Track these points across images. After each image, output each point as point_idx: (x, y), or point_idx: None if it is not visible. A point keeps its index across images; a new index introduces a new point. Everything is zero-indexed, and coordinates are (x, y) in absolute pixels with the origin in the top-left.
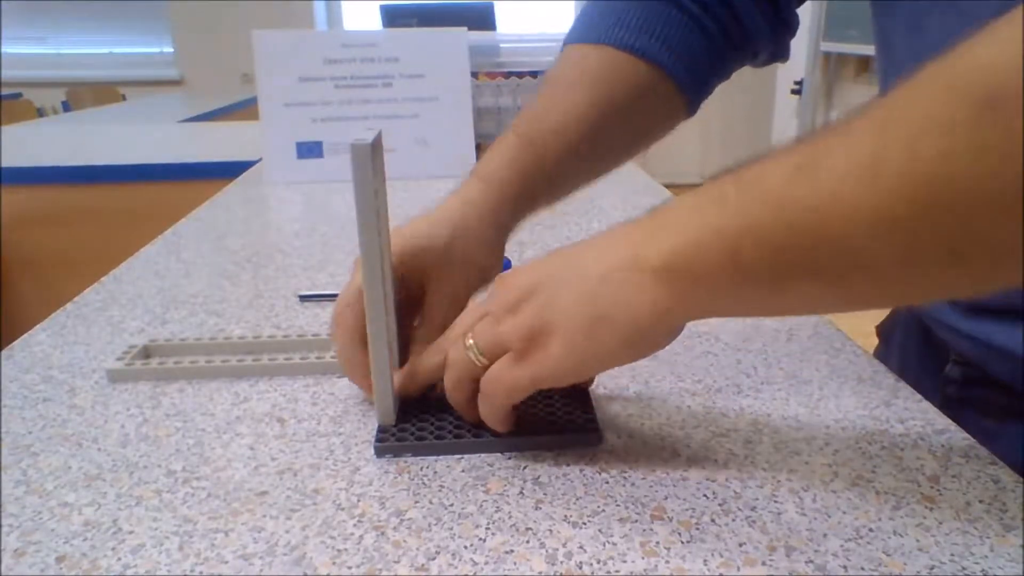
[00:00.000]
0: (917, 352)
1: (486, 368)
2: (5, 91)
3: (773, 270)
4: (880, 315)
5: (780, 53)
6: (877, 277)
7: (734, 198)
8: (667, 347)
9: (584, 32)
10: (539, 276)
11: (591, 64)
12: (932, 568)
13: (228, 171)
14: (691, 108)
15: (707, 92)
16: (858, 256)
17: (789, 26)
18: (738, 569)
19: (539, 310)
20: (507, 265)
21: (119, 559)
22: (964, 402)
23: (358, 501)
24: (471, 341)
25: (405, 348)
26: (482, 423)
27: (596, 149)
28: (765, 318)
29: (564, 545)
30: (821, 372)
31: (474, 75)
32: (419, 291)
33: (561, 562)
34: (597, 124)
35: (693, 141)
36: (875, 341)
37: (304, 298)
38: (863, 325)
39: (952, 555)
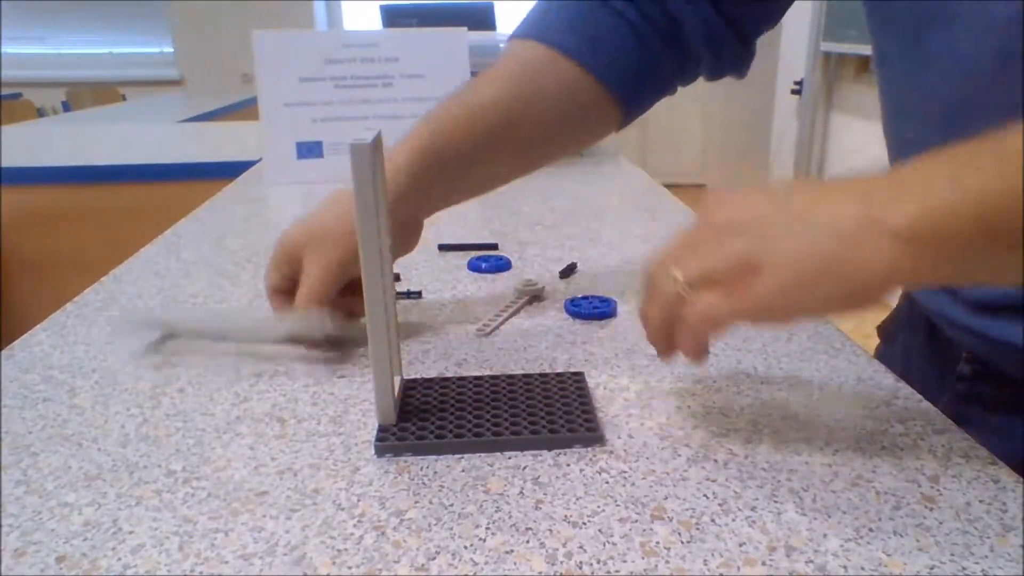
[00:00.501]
0: (923, 351)
1: (689, 298)
2: (5, 91)
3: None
4: (880, 315)
5: (729, 65)
6: None
7: (990, 166)
8: None
9: (523, 27)
10: (753, 213)
11: (516, 58)
12: (932, 568)
13: (228, 171)
14: (625, 112)
15: (642, 98)
16: None
17: (741, 33)
18: (738, 569)
19: (755, 246)
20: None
21: (119, 559)
22: (973, 399)
23: (358, 501)
24: (679, 274)
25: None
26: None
27: (504, 140)
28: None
29: (564, 545)
30: (821, 372)
31: (474, 75)
32: (299, 266)
33: (561, 562)
34: (506, 114)
35: (693, 141)
36: (875, 341)
37: None
38: (863, 326)
39: (952, 555)
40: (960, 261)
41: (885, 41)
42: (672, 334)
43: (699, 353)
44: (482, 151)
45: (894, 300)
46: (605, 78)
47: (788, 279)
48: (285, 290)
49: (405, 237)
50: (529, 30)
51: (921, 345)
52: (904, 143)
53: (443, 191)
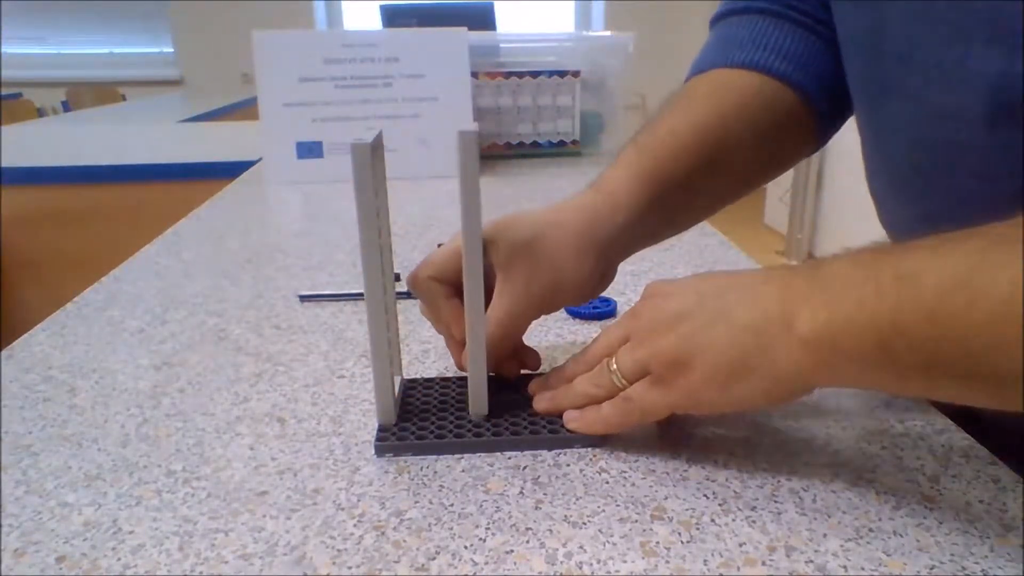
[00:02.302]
0: None
1: (622, 389)
2: (5, 91)
3: (921, 368)
4: None
5: None
6: None
7: (891, 291)
8: None
9: (696, 65)
10: (686, 306)
11: (705, 83)
12: (932, 568)
13: (228, 171)
14: (822, 124)
15: (840, 102)
16: (1011, 371)
17: None
18: (738, 569)
19: (685, 342)
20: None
21: (119, 559)
22: (969, 432)
23: (358, 501)
24: (615, 366)
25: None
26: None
27: (715, 160)
28: None
29: (564, 545)
30: None
31: (474, 75)
32: (493, 277)
33: (561, 562)
34: (716, 131)
35: None
36: None
37: (304, 298)
38: None
39: (952, 555)
40: (863, 376)
41: (856, 104)
42: (588, 409)
43: (613, 428)
44: (697, 174)
45: None
46: (802, 86)
47: (714, 374)
48: (451, 284)
49: (603, 281)
50: (707, 62)
51: None
52: (880, 200)
53: (663, 225)
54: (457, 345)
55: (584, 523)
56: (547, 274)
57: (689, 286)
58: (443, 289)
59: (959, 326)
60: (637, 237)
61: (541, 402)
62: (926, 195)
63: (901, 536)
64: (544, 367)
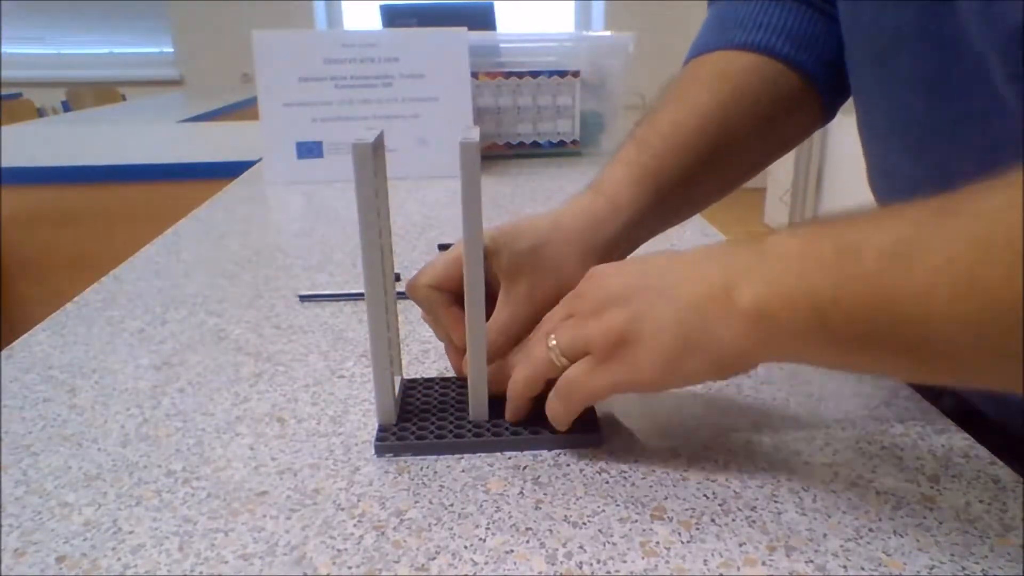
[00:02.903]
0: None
1: (563, 369)
2: (5, 91)
3: (859, 340)
4: None
5: None
6: (963, 367)
7: (832, 263)
8: None
9: (696, 47)
10: (629, 284)
11: (706, 68)
12: (932, 568)
13: (228, 171)
14: (827, 103)
15: (844, 78)
16: (946, 346)
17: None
18: (738, 569)
19: (627, 320)
20: None
21: (119, 559)
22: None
23: (358, 501)
24: (553, 341)
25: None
26: (519, 422)
27: (718, 150)
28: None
29: (564, 545)
30: (821, 372)
31: (474, 75)
32: (492, 290)
33: (561, 562)
34: (717, 120)
35: None
36: None
37: (304, 298)
38: None
39: (952, 555)
40: (803, 349)
41: (858, 67)
42: (532, 397)
43: (564, 423)
44: (699, 166)
45: None
46: (805, 66)
47: (658, 351)
48: (452, 292)
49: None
50: (706, 43)
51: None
52: (884, 173)
53: (667, 218)
54: (457, 352)
55: (584, 523)
56: (551, 280)
57: (632, 265)
58: (443, 297)
59: (895, 296)
60: (639, 236)
61: (508, 416)
62: (928, 187)
63: (901, 536)
64: None
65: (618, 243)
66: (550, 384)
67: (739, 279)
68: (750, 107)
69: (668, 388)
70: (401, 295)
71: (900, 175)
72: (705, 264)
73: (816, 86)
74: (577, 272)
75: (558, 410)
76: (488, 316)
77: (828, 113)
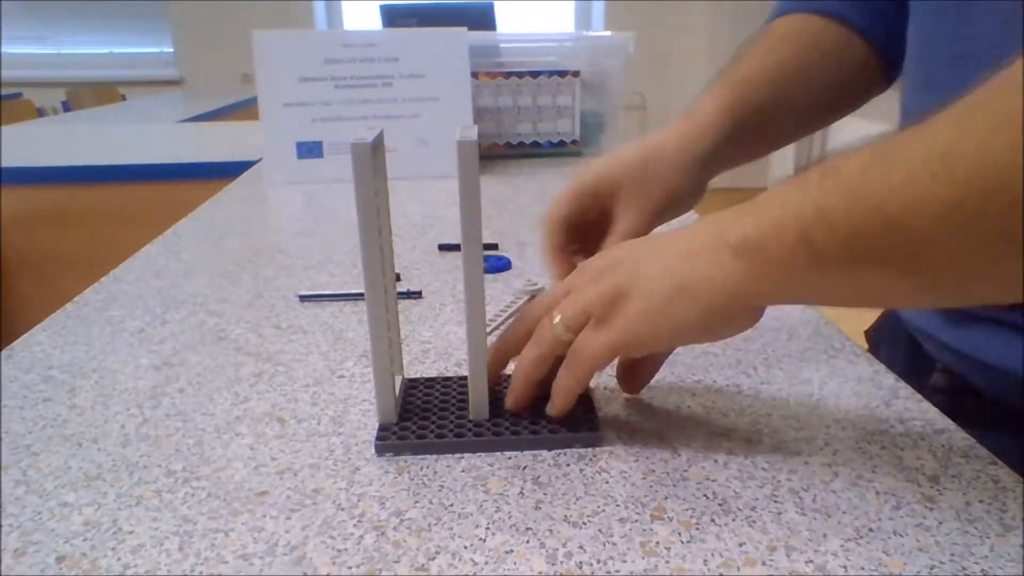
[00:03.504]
0: (904, 361)
1: (569, 344)
2: (5, 91)
3: (845, 256)
4: (870, 319)
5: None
6: (949, 267)
7: (815, 184)
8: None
9: (781, 8)
10: (622, 253)
11: (791, 26)
12: (932, 568)
13: (228, 171)
14: (889, 68)
15: (903, 45)
16: (928, 245)
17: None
18: (738, 569)
19: (621, 279)
20: (505, 263)
21: (119, 559)
22: (950, 411)
23: (358, 501)
24: (557, 318)
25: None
26: (519, 415)
27: (792, 96)
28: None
29: (564, 545)
30: (821, 372)
31: (474, 75)
32: (609, 209)
33: (561, 562)
34: (794, 69)
35: None
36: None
37: (304, 298)
38: (864, 325)
39: (952, 555)
40: (794, 278)
41: (930, 26)
42: (539, 379)
43: (571, 395)
44: (778, 111)
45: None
46: (873, 35)
47: (651, 302)
48: (573, 225)
49: (698, 195)
50: (792, 6)
51: (901, 356)
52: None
53: (745, 148)
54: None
55: (584, 523)
56: (660, 190)
57: (625, 243)
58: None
59: (876, 197)
60: (723, 158)
61: (508, 403)
62: None
63: (901, 536)
64: None
65: (707, 161)
66: (549, 382)
67: (729, 225)
68: (822, 67)
69: (666, 341)
70: (401, 295)
71: None
72: (696, 226)
73: (882, 53)
74: (680, 182)
75: (568, 382)
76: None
77: (890, 79)
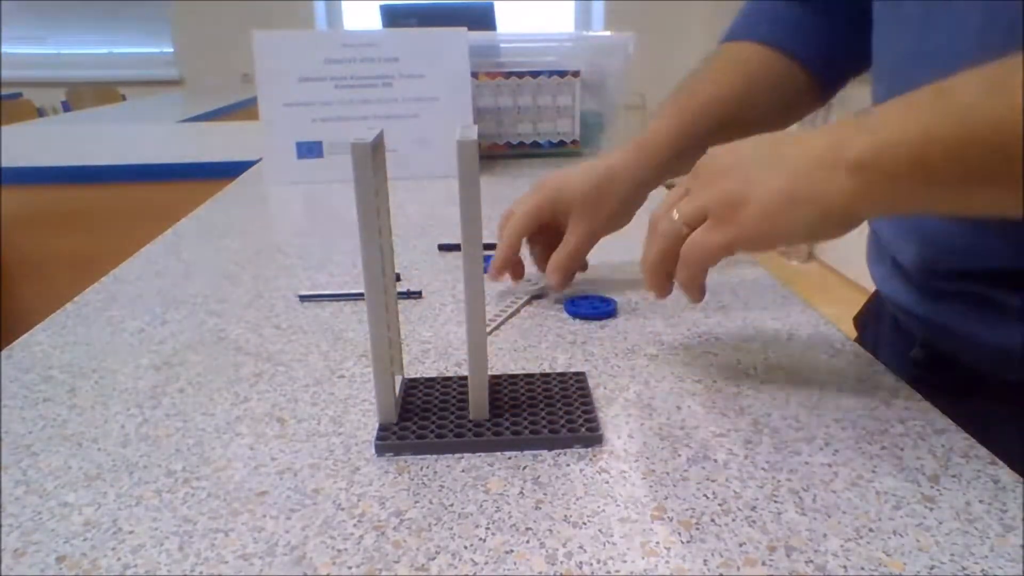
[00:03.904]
0: (887, 340)
1: (686, 237)
2: (5, 91)
3: (957, 175)
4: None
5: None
6: None
7: (928, 105)
8: (673, 342)
9: (730, 33)
10: (738, 158)
11: (730, 57)
12: (932, 568)
13: (228, 171)
14: (823, 86)
15: (838, 70)
16: None
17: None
18: (738, 569)
19: (739, 184)
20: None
21: (119, 559)
22: (925, 383)
23: (358, 501)
24: (676, 214)
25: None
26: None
27: (739, 119)
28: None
29: (564, 545)
30: (821, 372)
31: (474, 75)
32: (561, 223)
33: (561, 562)
34: (740, 97)
35: None
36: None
37: (304, 298)
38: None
39: (952, 555)
40: (906, 193)
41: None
42: (667, 271)
43: (695, 285)
44: (721, 137)
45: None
46: (809, 64)
47: (766, 208)
48: (531, 232)
49: (636, 210)
50: (735, 32)
51: (884, 334)
52: None
53: (685, 169)
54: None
55: (584, 523)
56: (609, 211)
57: (742, 143)
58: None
59: (991, 122)
60: (664, 178)
61: (654, 295)
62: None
63: (901, 536)
64: (544, 367)
65: (650, 183)
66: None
67: (846, 138)
68: (766, 93)
69: (776, 243)
70: (401, 295)
71: None
72: (812, 135)
73: (821, 79)
74: (627, 206)
75: (683, 277)
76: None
77: (824, 99)
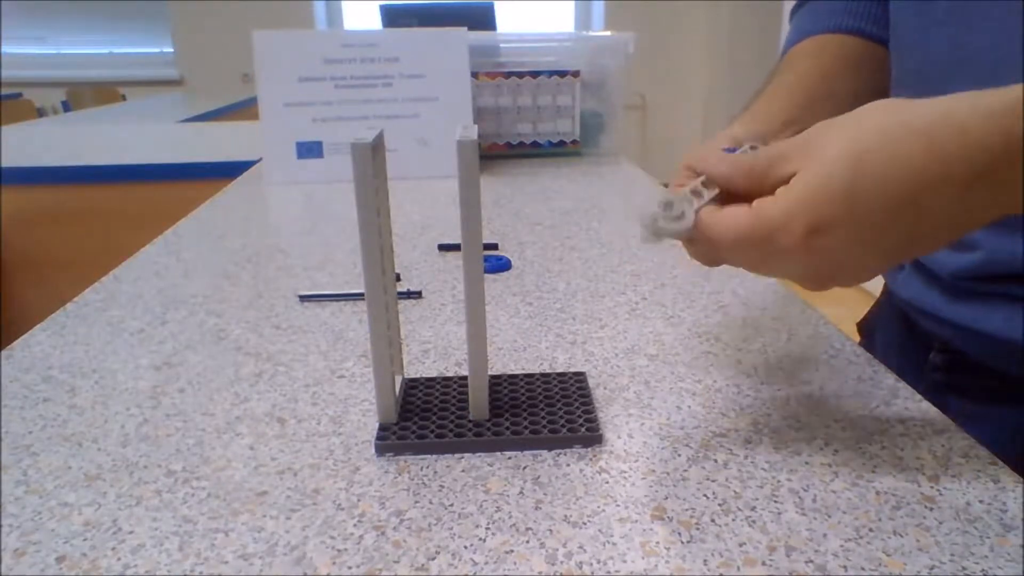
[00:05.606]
0: (899, 345)
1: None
2: (5, 91)
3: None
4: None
5: None
6: None
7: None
8: (673, 342)
9: (800, 31)
10: (830, 258)
11: (823, 46)
12: (932, 568)
13: (228, 171)
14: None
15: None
16: None
17: None
18: (738, 569)
19: (833, 272)
20: (505, 263)
21: (119, 559)
22: (948, 388)
23: (358, 501)
24: (736, 256)
25: None
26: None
27: (829, 101)
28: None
29: (564, 545)
30: (821, 372)
31: (474, 75)
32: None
33: (561, 562)
34: (822, 97)
35: (693, 141)
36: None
37: (304, 298)
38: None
39: (952, 555)
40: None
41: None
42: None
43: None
44: (808, 114)
45: (875, 293)
46: (884, 40)
47: (860, 279)
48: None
49: None
50: (808, 30)
51: (896, 339)
52: None
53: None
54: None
55: (584, 523)
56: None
57: (839, 223)
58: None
59: None
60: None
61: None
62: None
63: (901, 536)
64: (544, 367)
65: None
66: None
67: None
68: (845, 78)
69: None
70: (401, 295)
71: None
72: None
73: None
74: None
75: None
76: None
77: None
